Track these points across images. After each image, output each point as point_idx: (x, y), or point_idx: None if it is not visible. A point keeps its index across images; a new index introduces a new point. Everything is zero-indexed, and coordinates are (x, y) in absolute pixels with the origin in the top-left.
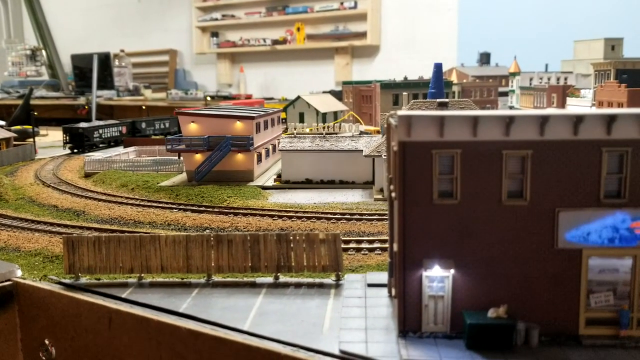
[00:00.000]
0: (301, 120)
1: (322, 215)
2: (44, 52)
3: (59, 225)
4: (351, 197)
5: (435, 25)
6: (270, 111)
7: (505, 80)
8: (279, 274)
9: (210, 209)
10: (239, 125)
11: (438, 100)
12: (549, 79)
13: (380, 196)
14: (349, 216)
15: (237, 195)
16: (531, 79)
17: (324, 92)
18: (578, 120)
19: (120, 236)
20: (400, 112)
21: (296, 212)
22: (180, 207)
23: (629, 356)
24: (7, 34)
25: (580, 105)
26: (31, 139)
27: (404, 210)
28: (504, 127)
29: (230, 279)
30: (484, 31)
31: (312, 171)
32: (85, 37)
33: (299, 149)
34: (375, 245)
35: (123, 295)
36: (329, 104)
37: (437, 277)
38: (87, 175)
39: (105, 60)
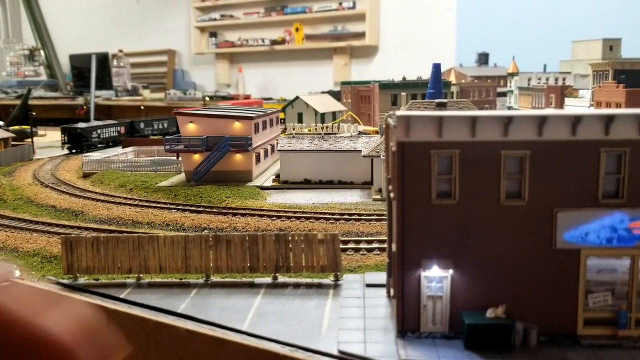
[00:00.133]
0: (300, 120)
1: (321, 216)
2: (42, 52)
3: (57, 225)
4: (350, 198)
5: (434, 26)
6: (269, 111)
7: (503, 80)
8: (277, 274)
9: (209, 209)
10: (237, 125)
11: (436, 100)
12: (547, 79)
13: (378, 196)
14: (347, 216)
15: (235, 195)
16: (529, 80)
17: (323, 92)
18: (576, 120)
19: (118, 236)
20: (399, 113)
21: (295, 212)
22: (179, 207)
23: (627, 356)
24: (5, 34)
25: (578, 105)
26: (29, 139)
27: (402, 211)
28: (502, 128)
29: (229, 279)
30: (482, 31)
31: (310, 171)
32: (84, 37)
33: (297, 149)
34: (374, 245)
35: (121, 296)
36: (328, 104)
37: (436, 277)
38: (86, 176)
39: (103, 60)
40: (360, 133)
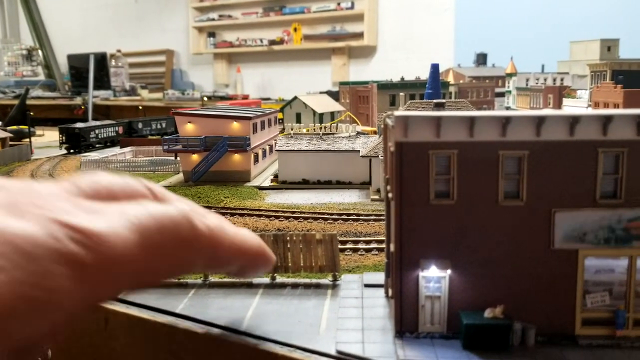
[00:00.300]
0: (298, 120)
1: (319, 216)
2: (40, 52)
3: None
4: (348, 198)
5: (432, 26)
6: (267, 111)
7: (501, 80)
8: (275, 275)
9: (207, 209)
10: (235, 125)
11: (435, 100)
12: (545, 79)
13: (377, 196)
14: (345, 216)
15: (234, 195)
16: (527, 80)
17: (321, 92)
18: (574, 121)
19: None
20: (397, 113)
21: (293, 212)
22: None
23: (624, 356)
24: (2, 33)
25: (576, 106)
26: (27, 139)
27: (400, 211)
28: (500, 128)
29: (227, 279)
30: (480, 32)
31: (309, 171)
32: (82, 37)
33: (295, 149)
34: (372, 245)
35: (119, 296)
36: (326, 105)
37: (434, 278)
38: None
39: (101, 60)
40: (358, 133)
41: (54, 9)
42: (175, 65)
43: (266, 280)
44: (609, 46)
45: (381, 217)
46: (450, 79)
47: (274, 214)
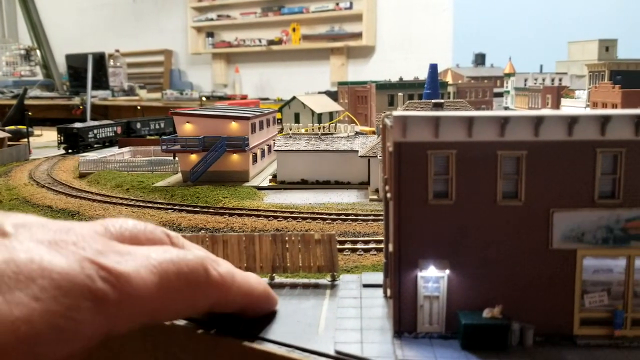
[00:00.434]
0: (297, 120)
1: (318, 216)
2: (38, 52)
3: None
4: (346, 198)
5: (431, 26)
6: (266, 111)
7: (500, 81)
8: (274, 275)
9: (206, 210)
10: (234, 125)
11: (433, 100)
12: (543, 80)
13: (375, 197)
14: (344, 217)
15: (232, 195)
16: (526, 80)
17: (320, 92)
18: (572, 121)
19: None
20: (396, 113)
21: (291, 212)
22: (176, 207)
23: (622, 356)
24: (1, 33)
25: (574, 106)
26: (25, 139)
27: (399, 211)
28: (498, 128)
29: None
30: (479, 32)
31: (307, 172)
32: (80, 37)
33: (294, 149)
34: (371, 245)
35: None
36: (325, 105)
37: (432, 278)
38: (82, 176)
39: (99, 60)
40: (357, 133)
41: (52, 9)
42: (174, 65)
43: (265, 280)
44: (607, 46)
45: (380, 217)
46: (449, 79)
47: (272, 214)
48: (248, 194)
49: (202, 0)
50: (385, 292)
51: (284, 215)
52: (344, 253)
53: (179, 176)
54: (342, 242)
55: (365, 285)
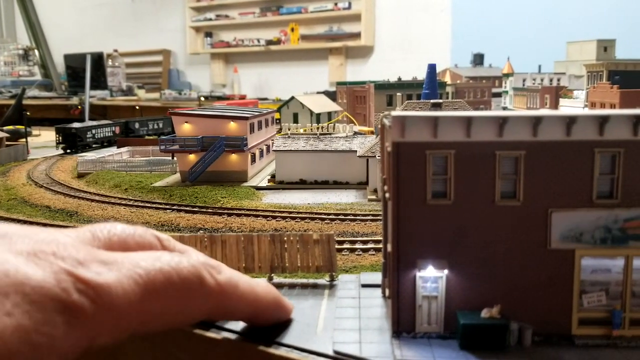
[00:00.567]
0: (295, 120)
1: (316, 216)
2: (36, 51)
3: (51, 226)
4: (345, 198)
5: (429, 26)
6: (264, 111)
7: (498, 81)
8: (272, 275)
9: (204, 210)
10: (232, 125)
11: (432, 100)
12: (542, 80)
13: (374, 197)
14: (342, 217)
15: (231, 195)
16: (524, 80)
17: (318, 92)
18: (571, 121)
19: None
20: (394, 113)
21: (290, 212)
22: (174, 207)
23: (620, 355)
24: None
25: (573, 106)
26: (24, 139)
27: (397, 211)
28: (497, 128)
29: None
30: (477, 32)
31: (306, 172)
32: (78, 36)
33: (293, 149)
34: (369, 245)
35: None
36: (323, 105)
37: (431, 278)
38: (80, 176)
39: (98, 60)
40: (355, 133)
41: (51, 9)
42: (172, 65)
43: (263, 280)
44: (605, 46)
45: (378, 217)
46: (447, 79)
47: (271, 214)
48: (247, 194)
49: (201, 0)
50: (383, 292)
51: (283, 215)
52: (343, 253)
53: (177, 176)
54: (341, 242)
55: (364, 285)
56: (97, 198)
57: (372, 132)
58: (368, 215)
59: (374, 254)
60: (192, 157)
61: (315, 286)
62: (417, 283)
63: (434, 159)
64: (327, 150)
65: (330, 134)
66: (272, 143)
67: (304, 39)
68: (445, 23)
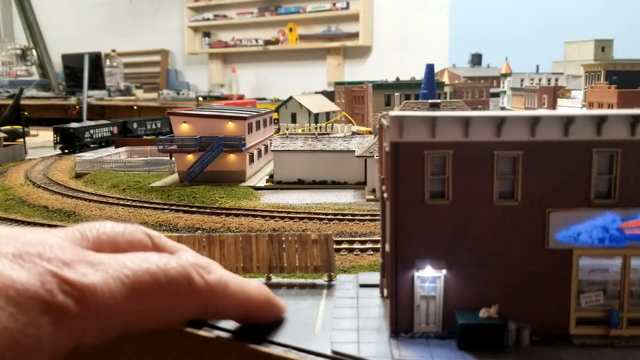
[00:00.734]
0: (293, 120)
1: (315, 216)
2: (34, 51)
3: (49, 226)
4: (343, 198)
5: (427, 27)
6: (263, 111)
7: (496, 81)
8: (271, 275)
9: (202, 210)
10: (231, 125)
11: (430, 101)
12: (539, 80)
13: (372, 197)
14: (341, 217)
15: (229, 195)
16: (522, 80)
17: (316, 92)
18: (569, 121)
19: None
20: (392, 113)
21: (288, 212)
22: (172, 207)
23: (618, 355)
24: None
25: (570, 106)
26: (21, 139)
27: (395, 211)
28: (495, 128)
29: None
30: (475, 32)
31: (304, 172)
32: (76, 36)
33: (291, 149)
34: (368, 245)
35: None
36: (321, 105)
37: (429, 278)
38: (78, 176)
39: (96, 60)
40: (353, 133)
41: (49, 9)
42: (170, 65)
43: (262, 280)
44: (603, 47)
45: (376, 217)
46: (445, 79)
47: (269, 214)
48: (245, 194)
49: (199, 0)
50: (382, 292)
51: (281, 215)
52: (341, 253)
53: (175, 176)
54: (339, 242)
55: (362, 285)
56: (95, 198)
57: (370, 132)
58: (366, 215)
59: (372, 254)
60: (190, 157)
61: (313, 286)
62: (415, 283)
63: (432, 159)
64: (325, 150)
65: (328, 134)
66: (270, 143)
67: (302, 39)
68: (444, 23)
